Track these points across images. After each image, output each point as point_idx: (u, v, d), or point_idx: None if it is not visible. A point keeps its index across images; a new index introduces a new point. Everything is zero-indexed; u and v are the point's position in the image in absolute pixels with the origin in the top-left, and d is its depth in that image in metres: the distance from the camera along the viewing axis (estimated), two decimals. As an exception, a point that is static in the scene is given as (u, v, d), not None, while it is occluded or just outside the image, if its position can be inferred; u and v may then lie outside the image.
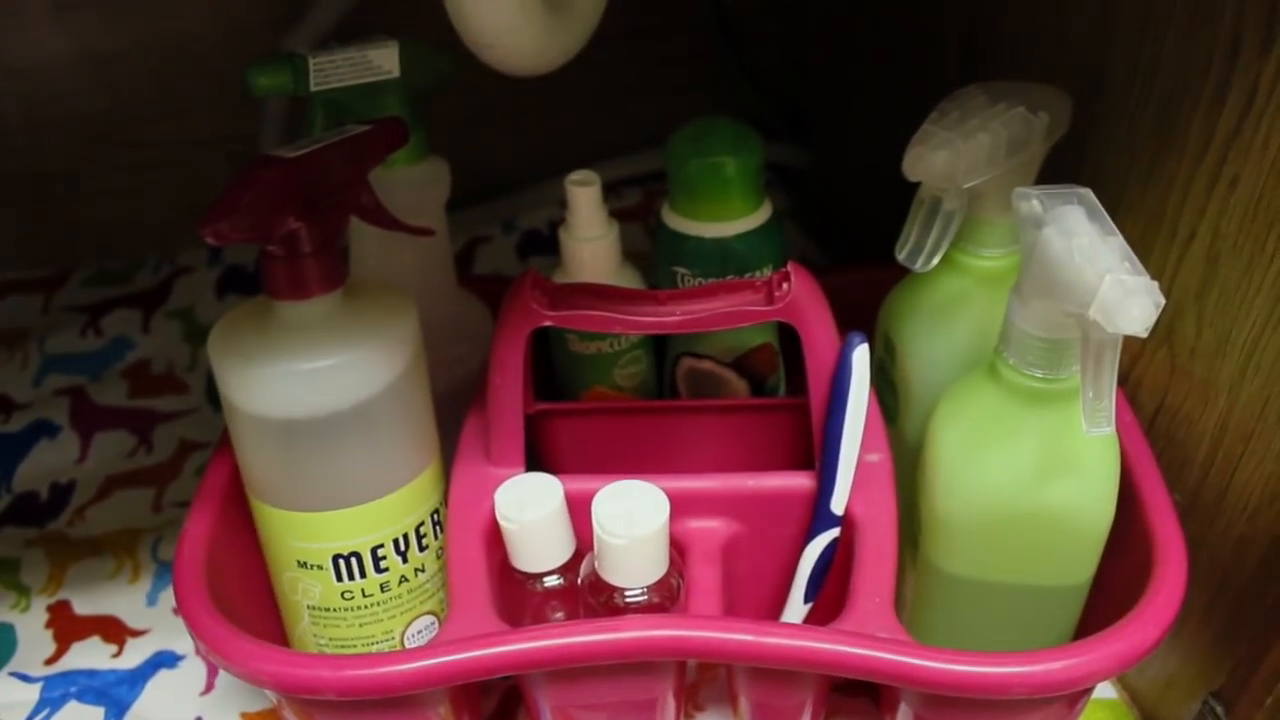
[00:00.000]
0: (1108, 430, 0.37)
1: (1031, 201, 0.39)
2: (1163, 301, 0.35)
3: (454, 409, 0.51)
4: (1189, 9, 0.44)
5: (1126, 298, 0.35)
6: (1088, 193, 0.39)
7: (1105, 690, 0.56)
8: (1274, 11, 0.39)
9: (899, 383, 0.51)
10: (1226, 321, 0.45)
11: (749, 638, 0.40)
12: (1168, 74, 0.45)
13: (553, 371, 0.57)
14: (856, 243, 0.75)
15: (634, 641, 0.41)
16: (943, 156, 0.43)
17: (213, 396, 0.75)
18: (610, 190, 0.55)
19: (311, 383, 0.43)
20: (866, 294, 0.53)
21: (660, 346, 0.56)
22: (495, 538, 0.46)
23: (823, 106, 0.80)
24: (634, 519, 0.42)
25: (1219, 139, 0.43)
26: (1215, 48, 0.43)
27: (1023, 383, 0.41)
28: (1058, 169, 0.46)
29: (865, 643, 0.40)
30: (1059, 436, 0.42)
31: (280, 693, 0.42)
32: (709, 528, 0.48)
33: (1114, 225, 0.37)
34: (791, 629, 0.41)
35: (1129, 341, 0.51)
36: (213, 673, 0.59)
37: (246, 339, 0.44)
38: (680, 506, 0.47)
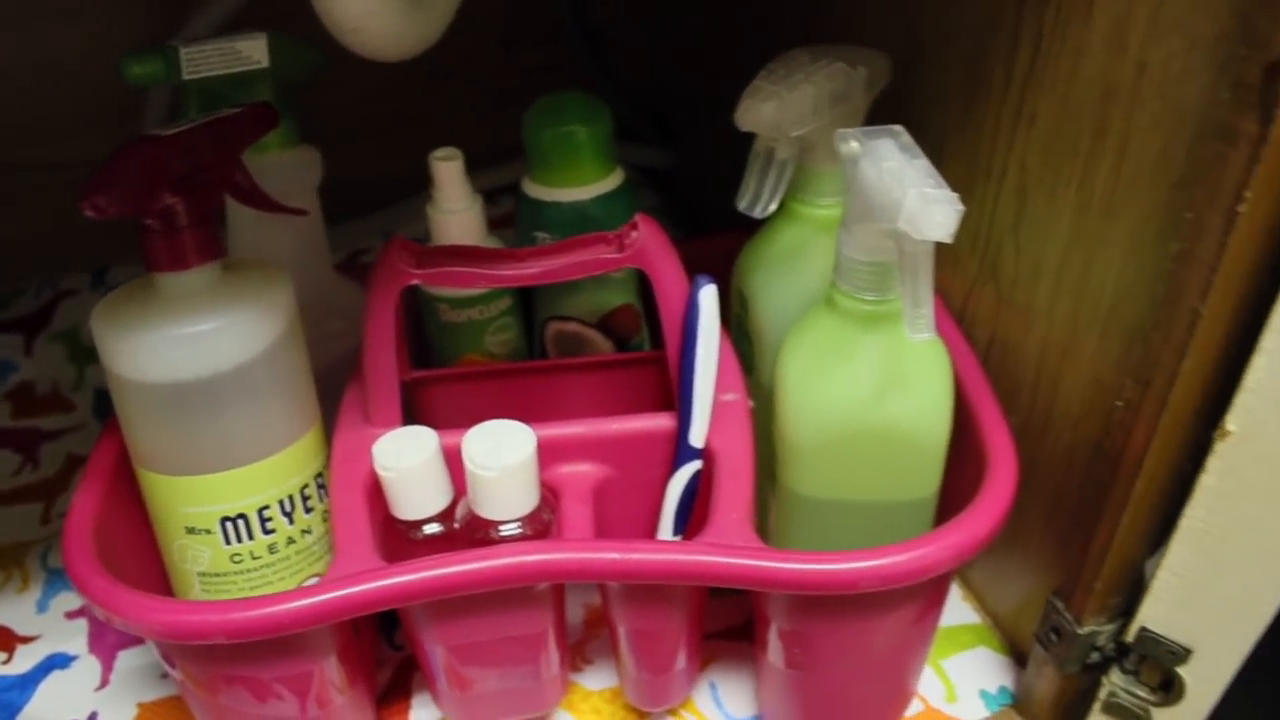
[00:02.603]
0: (929, 336, 0.41)
1: (850, 140, 0.43)
2: (961, 209, 0.39)
3: (333, 384, 0.54)
4: (983, -31, 0.49)
5: (928, 206, 0.39)
6: (901, 129, 0.43)
7: (970, 616, 0.60)
8: (1050, -38, 0.44)
9: (753, 332, 0.54)
10: (1038, 249, 0.49)
11: (615, 555, 0.43)
12: (970, 29, 0.50)
13: (428, 344, 0.60)
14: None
15: (508, 567, 0.43)
16: (770, 107, 0.47)
17: (100, 412, 0.76)
18: (487, 198, 0.58)
19: (193, 346, 0.45)
20: (727, 261, 0.57)
21: (529, 312, 0.60)
22: (377, 494, 0.49)
23: (684, 110, 0.85)
24: (502, 451, 0.44)
25: (1016, 81, 0.48)
26: (1005, 2, 0.47)
27: (855, 307, 0.45)
28: (882, 116, 0.51)
29: (721, 550, 0.43)
30: (892, 355, 0.46)
31: (171, 641, 0.44)
32: (580, 471, 0.51)
33: (921, 152, 0.42)
34: (653, 544, 0.44)
35: (962, 280, 0.56)
36: (107, 668, 0.59)
37: (129, 310, 0.46)
38: (551, 453, 0.50)
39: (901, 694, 0.54)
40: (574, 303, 0.56)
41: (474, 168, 0.56)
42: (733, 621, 0.59)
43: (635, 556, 0.43)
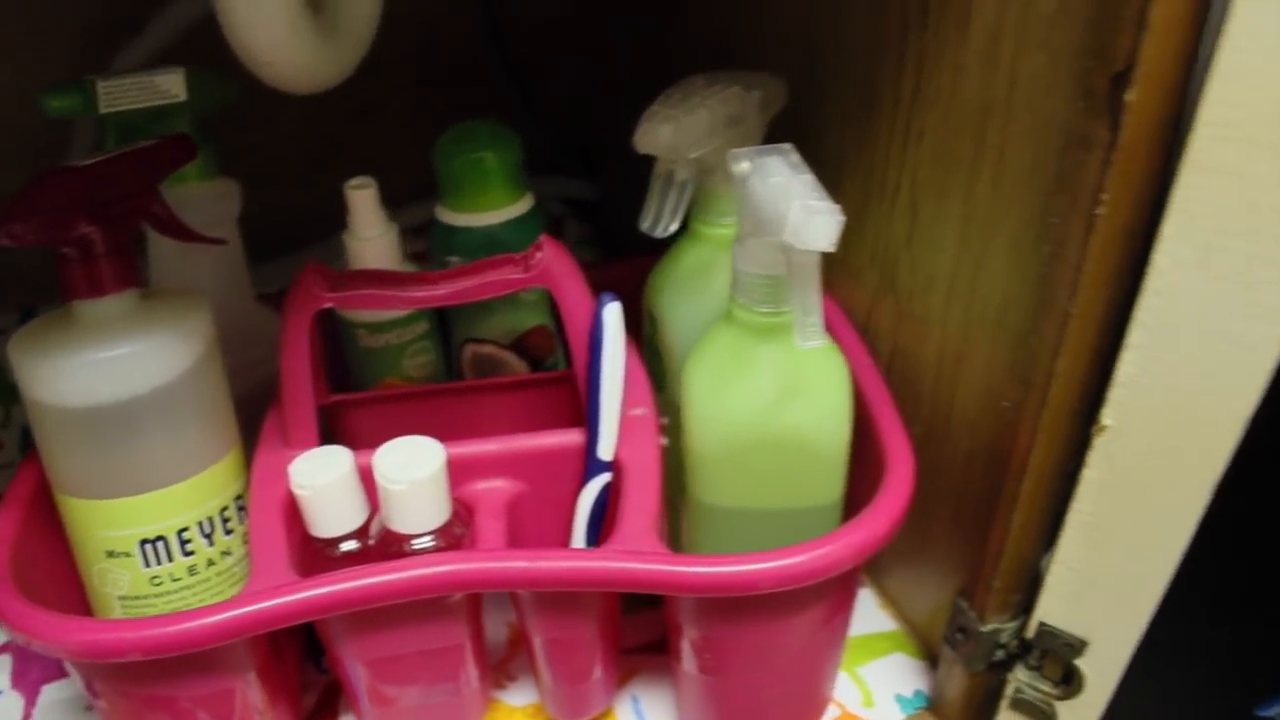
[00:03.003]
0: (818, 343, 0.43)
1: (741, 159, 0.45)
2: (843, 219, 0.41)
3: (256, 411, 0.55)
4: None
5: (811, 218, 0.41)
6: (790, 148, 0.45)
7: (887, 624, 0.62)
8: (927, -12, 0.47)
9: (662, 350, 0.56)
10: (931, 261, 0.51)
11: (523, 564, 0.44)
12: (861, 54, 0.52)
13: (349, 370, 0.61)
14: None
15: (419, 578, 0.44)
16: (666, 130, 0.48)
17: (26, 447, 0.76)
18: (413, 234, 0.59)
19: (111, 370, 0.46)
20: (644, 283, 0.58)
21: (446, 336, 0.61)
22: (294, 514, 0.50)
23: (606, 142, 0.87)
24: (412, 465, 0.46)
25: (904, 101, 0.50)
26: (890, 26, 0.50)
27: (752, 319, 0.47)
28: (786, 140, 0.53)
29: (625, 556, 0.45)
30: (790, 365, 0.48)
31: (89, 659, 0.44)
32: (494, 488, 0.52)
33: (807, 168, 0.44)
34: (559, 552, 0.45)
35: (863, 294, 0.58)
36: (30, 703, 0.59)
37: (47, 337, 0.47)
38: (465, 470, 0.51)
39: (817, 699, 0.55)
40: (489, 325, 0.58)
41: (400, 204, 0.57)
42: (654, 636, 0.60)
43: (542, 564, 0.44)
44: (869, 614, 0.62)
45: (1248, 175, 0.36)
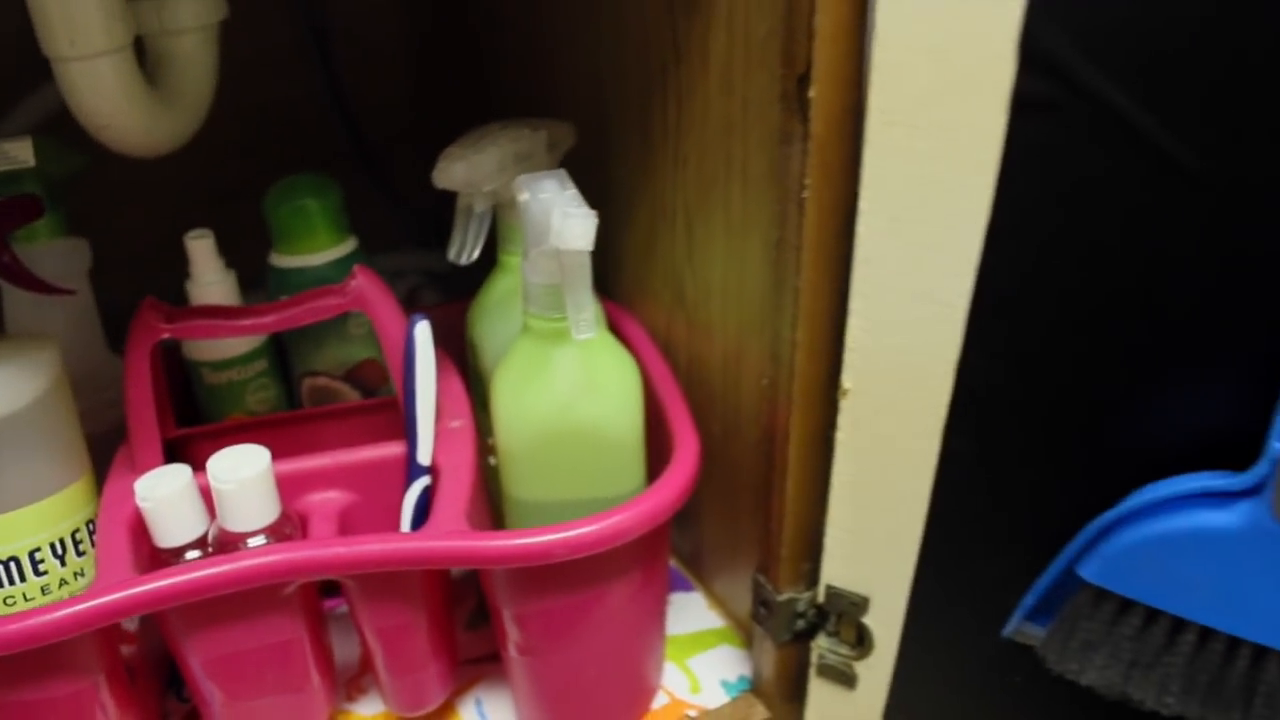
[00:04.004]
0: (591, 335, 0.49)
1: (521, 188, 0.52)
2: (596, 221, 0.47)
3: (110, 449, 0.59)
4: (635, 47, 0.58)
5: (568, 221, 0.47)
6: (562, 172, 0.52)
7: (715, 621, 0.67)
8: (675, 35, 0.54)
9: (482, 373, 0.62)
10: (707, 273, 0.58)
11: (342, 550, 0.49)
12: (637, 94, 0.60)
13: (199, 410, 0.66)
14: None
15: (249, 568, 0.49)
16: (460, 167, 0.55)
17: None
18: None
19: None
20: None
21: (286, 371, 0.66)
22: (141, 532, 0.54)
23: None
24: (241, 466, 0.51)
25: (671, 131, 0.57)
26: (654, 66, 0.57)
27: (543, 326, 0.53)
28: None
29: (434, 536, 0.50)
30: (582, 365, 0.53)
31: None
32: (327, 498, 0.57)
33: (574, 185, 0.50)
34: (376, 537, 0.50)
35: (660, 311, 0.64)
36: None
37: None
38: (299, 483, 0.56)
39: (643, 685, 0.60)
40: (323, 358, 0.64)
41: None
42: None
43: (359, 549, 0.49)
44: (698, 613, 0.67)
45: (914, 152, 0.43)
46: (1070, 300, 0.43)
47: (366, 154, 0.88)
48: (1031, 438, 0.46)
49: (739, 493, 0.61)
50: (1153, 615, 0.44)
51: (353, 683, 0.63)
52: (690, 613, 0.68)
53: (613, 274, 0.67)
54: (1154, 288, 0.41)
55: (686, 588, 0.70)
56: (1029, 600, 0.48)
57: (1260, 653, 0.43)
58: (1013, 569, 0.50)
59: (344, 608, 0.61)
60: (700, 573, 0.70)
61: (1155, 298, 0.41)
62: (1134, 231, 0.40)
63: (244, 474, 0.50)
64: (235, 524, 0.51)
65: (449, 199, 0.59)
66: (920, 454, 0.50)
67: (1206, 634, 0.43)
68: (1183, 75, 0.38)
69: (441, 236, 0.59)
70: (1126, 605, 0.45)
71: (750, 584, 0.64)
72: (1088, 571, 0.45)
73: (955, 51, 0.40)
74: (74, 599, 0.48)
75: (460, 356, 0.64)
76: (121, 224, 0.72)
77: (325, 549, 0.49)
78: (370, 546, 0.49)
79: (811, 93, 0.44)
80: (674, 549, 0.71)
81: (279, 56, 0.84)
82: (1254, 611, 0.42)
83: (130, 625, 0.55)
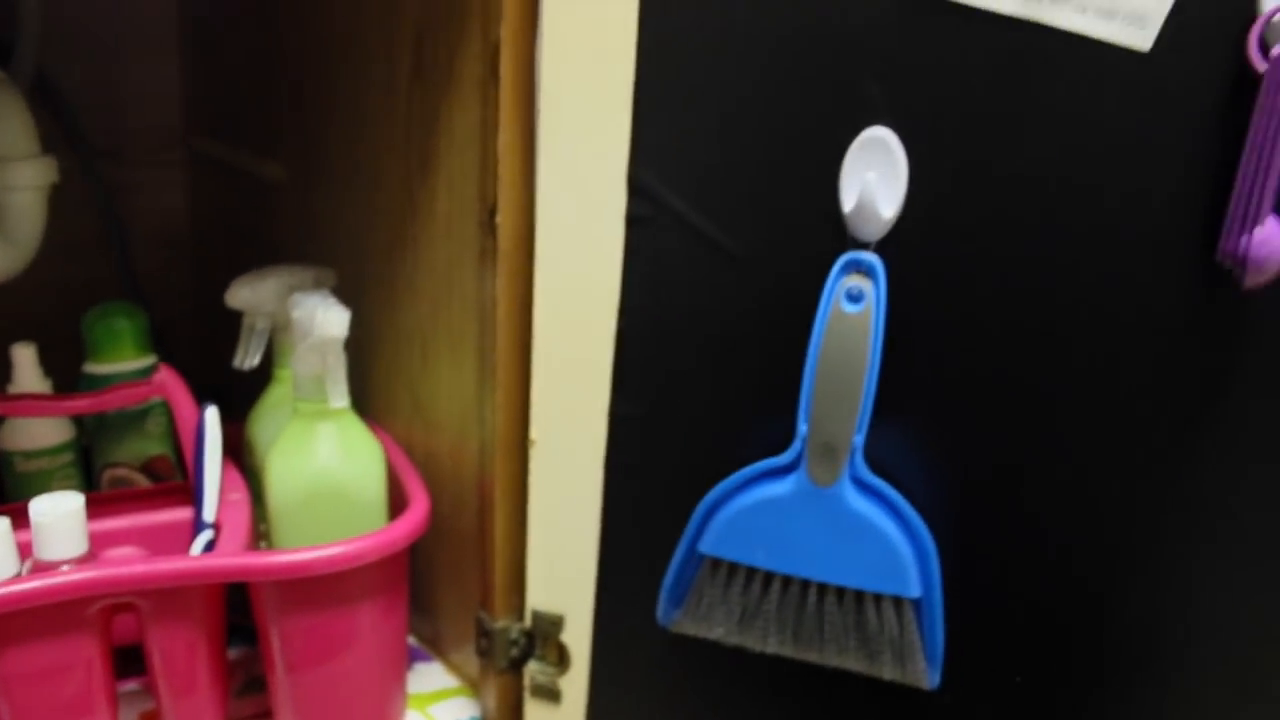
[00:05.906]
0: (344, 404, 0.66)
1: (295, 306, 0.69)
2: (348, 317, 0.65)
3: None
4: (383, 208, 0.78)
5: (327, 313, 0.65)
6: (328, 292, 0.70)
7: (452, 682, 0.80)
8: (412, 197, 0.74)
9: (257, 469, 0.77)
10: (435, 381, 0.76)
11: (138, 569, 0.63)
12: (382, 243, 0.79)
13: (4, 496, 0.78)
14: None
15: (46, 587, 0.61)
16: (245, 291, 0.72)
17: None
18: None
19: None
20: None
21: (89, 464, 0.79)
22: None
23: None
24: (55, 503, 0.63)
25: (409, 269, 0.76)
26: (395, 221, 0.77)
27: (308, 408, 0.69)
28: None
29: (219, 556, 0.64)
30: (338, 436, 0.70)
31: None
32: (126, 553, 0.69)
33: (336, 301, 0.68)
34: (163, 559, 0.63)
35: (403, 420, 0.81)
36: None
37: None
38: (101, 540, 0.69)
39: (389, 712, 0.73)
40: (123, 451, 0.78)
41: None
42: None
43: (146, 568, 0.62)
44: (437, 677, 0.81)
45: (570, 256, 0.63)
46: (674, 356, 0.62)
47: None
48: (671, 461, 0.65)
49: (466, 569, 0.76)
50: (751, 573, 0.62)
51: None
52: (430, 677, 0.81)
53: (366, 396, 0.84)
54: (725, 337, 0.61)
55: (427, 659, 0.83)
56: (668, 582, 0.65)
57: (821, 590, 0.61)
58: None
59: (132, 686, 0.72)
60: (439, 648, 0.84)
61: (729, 344, 0.61)
62: (699, 300, 0.61)
63: (61, 509, 0.63)
64: (49, 554, 0.64)
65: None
66: (587, 483, 0.67)
67: (787, 582, 0.61)
68: (723, 191, 0.59)
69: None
70: (733, 569, 0.62)
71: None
72: (703, 545, 0.62)
73: (589, 188, 0.61)
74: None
75: (239, 461, 0.78)
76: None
77: (128, 567, 0.62)
78: (166, 564, 0.63)
79: (498, 218, 0.64)
80: (416, 631, 0.85)
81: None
82: (808, 554, 0.60)
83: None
